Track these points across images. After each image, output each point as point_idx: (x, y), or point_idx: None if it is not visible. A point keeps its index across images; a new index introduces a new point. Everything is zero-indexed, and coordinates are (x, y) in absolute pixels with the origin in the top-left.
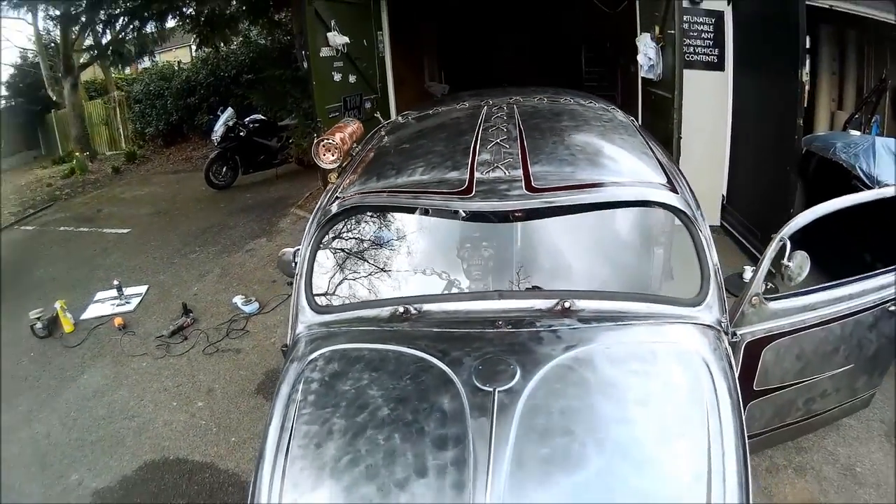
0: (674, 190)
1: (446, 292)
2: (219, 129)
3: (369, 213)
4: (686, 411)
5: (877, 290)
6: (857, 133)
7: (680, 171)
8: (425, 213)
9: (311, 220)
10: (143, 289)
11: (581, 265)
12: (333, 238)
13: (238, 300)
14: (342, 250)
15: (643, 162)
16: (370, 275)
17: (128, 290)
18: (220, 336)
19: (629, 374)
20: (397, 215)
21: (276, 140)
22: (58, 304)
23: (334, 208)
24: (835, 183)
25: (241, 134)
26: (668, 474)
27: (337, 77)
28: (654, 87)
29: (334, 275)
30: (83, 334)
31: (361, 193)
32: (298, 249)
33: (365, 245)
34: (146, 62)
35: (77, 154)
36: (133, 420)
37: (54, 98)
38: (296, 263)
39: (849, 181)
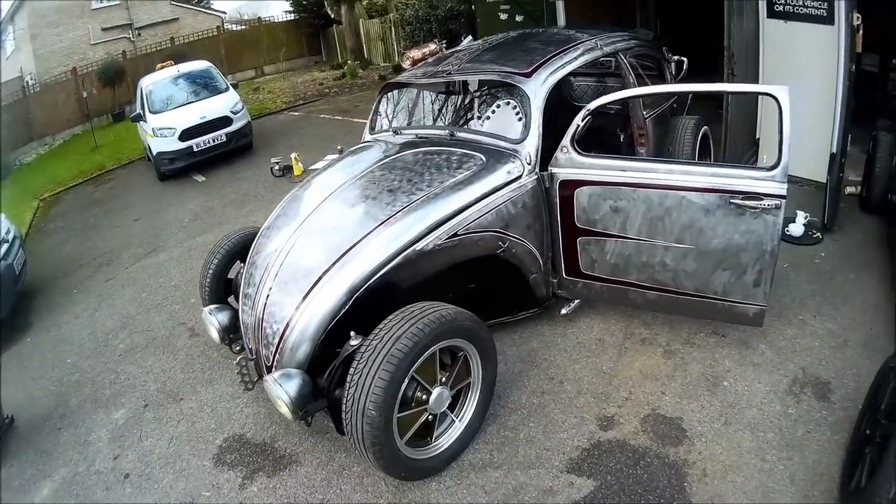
0: (528, 76)
1: (412, 124)
2: None
3: (397, 89)
4: (456, 175)
5: (708, 176)
6: None
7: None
8: (419, 87)
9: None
10: None
11: (469, 117)
12: (385, 101)
13: None
14: (386, 106)
15: (526, 62)
16: (392, 117)
17: None
18: None
19: (448, 157)
20: (405, 91)
21: None
22: (293, 155)
23: (386, 86)
24: None
25: None
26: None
27: (503, 16)
28: None
29: (380, 116)
30: (307, 176)
31: (400, 80)
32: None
33: (393, 104)
34: None
35: (349, 62)
36: None
37: (332, 16)
38: None
39: None
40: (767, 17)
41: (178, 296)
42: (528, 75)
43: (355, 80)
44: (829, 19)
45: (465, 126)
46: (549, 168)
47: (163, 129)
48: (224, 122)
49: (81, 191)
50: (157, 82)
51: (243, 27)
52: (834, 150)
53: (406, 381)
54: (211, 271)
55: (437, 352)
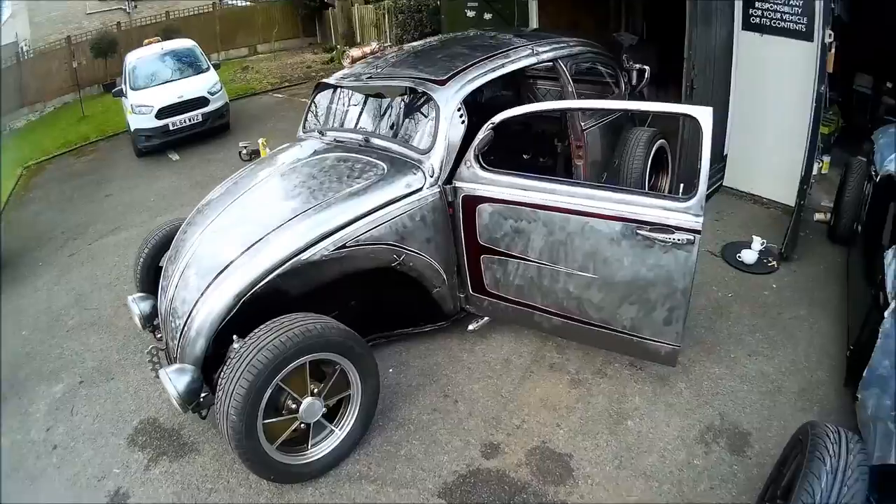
0: (441, 84)
1: (335, 127)
2: None
3: (327, 90)
4: (352, 184)
5: (613, 202)
6: None
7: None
8: (345, 90)
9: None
10: None
11: (386, 123)
12: (317, 100)
13: None
14: (317, 105)
15: (444, 68)
16: (320, 117)
17: None
18: None
19: (352, 166)
20: (336, 91)
21: None
22: (260, 140)
23: (317, 86)
24: None
25: None
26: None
27: (470, 14)
28: None
29: (311, 116)
30: None
31: (329, 81)
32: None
33: (323, 104)
34: None
35: (338, 46)
36: None
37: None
38: None
39: None
40: (742, 28)
41: (128, 276)
42: (442, 83)
43: (343, 64)
44: (807, 35)
45: (380, 133)
46: (454, 181)
47: (141, 107)
48: (201, 102)
49: (63, 161)
50: (142, 59)
51: (247, 3)
52: (804, 174)
53: (270, 390)
54: (142, 259)
55: (308, 364)
